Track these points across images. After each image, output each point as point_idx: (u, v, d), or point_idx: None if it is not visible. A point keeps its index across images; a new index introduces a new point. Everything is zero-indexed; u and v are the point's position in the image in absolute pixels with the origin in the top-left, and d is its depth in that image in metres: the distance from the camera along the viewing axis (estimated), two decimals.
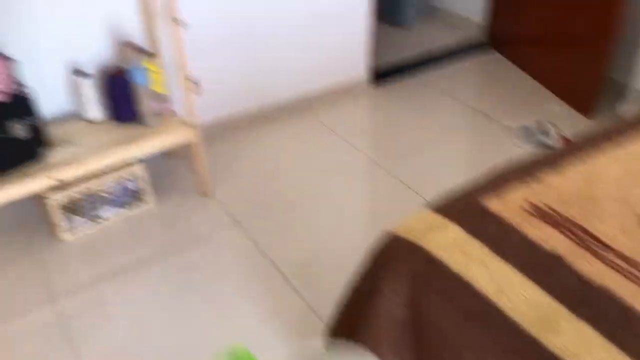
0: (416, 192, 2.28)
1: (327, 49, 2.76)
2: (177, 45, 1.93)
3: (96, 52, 2.18)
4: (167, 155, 2.49)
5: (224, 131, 2.63)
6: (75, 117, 2.17)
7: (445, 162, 2.45)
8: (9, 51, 1.99)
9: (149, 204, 2.20)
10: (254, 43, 2.52)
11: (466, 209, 1.32)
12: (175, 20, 1.90)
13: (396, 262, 1.26)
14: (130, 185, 2.12)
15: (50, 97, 2.14)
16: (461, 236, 1.24)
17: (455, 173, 2.37)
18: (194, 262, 1.98)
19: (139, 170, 2.10)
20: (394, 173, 2.39)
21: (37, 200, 2.13)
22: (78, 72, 2.08)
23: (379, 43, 3.22)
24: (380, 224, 2.11)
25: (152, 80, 2.06)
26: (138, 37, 2.23)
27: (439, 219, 1.30)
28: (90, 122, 2.12)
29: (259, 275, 1.92)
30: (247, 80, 2.59)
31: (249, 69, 2.56)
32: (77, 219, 2.04)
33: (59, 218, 1.99)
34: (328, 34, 2.72)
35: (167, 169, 2.43)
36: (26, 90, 1.80)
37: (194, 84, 2.06)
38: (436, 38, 3.52)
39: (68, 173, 1.91)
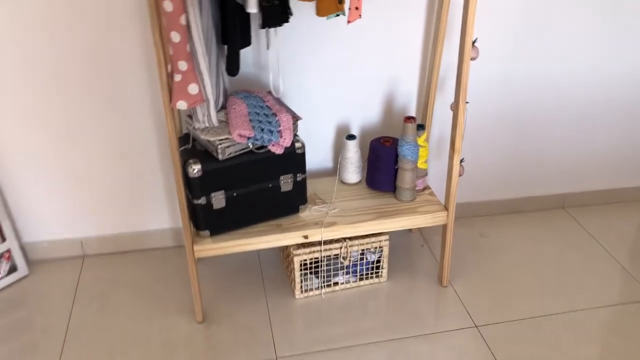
0: None
1: (605, 149, 2.44)
2: (458, 127, 1.81)
3: (367, 118, 2.16)
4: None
5: (468, 214, 2.46)
6: (333, 175, 2.17)
7: None
8: (294, 108, 2.06)
9: (383, 279, 2.10)
10: (526, 131, 2.31)
11: None
12: (463, 102, 1.78)
13: None
14: (370, 257, 2.03)
15: (315, 152, 2.17)
16: None
17: None
18: (417, 352, 1.81)
19: (384, 244, 2.01)
20: None
21: (283, 251, 2.16)
22: (347, 135, 2.06)
23: None
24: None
25: (420, 156, 1.96)
26: (411, 110, 2.17)
27: None
28: (346, 184, 2.09)
29: None
30: (507, 169, 2.38)
31: (513, 157, 2.36)
32: (313, 279, 2.01)
33: (298, 274, 1.97)
34: (607, 135, 2.41)
35: (404, 242, 2.31)
36: (300, 147, 1.81)
37: (460, 164, 1.92)
38: None
39: (317, 234, 1.88)
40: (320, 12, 1.46)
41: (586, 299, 2.04)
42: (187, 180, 1.73)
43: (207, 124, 1.67)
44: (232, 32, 1.59)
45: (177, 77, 1.58)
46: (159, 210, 2.20)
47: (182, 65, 1.56)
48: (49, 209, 2.11)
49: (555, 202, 2.51)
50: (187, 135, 1.86)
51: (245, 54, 1.91)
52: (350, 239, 1.97)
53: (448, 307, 2.00)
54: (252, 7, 1.50)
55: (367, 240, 1.98)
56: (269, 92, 1.88)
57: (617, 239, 2.36)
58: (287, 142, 1.74)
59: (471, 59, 1.76)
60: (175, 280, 2.11)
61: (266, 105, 1.80)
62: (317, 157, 2.19)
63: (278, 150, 1.74)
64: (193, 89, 1.60)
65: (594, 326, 1.92)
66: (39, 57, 1.83)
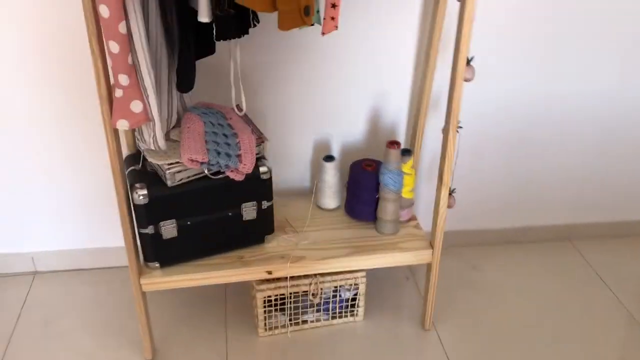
0: None
1: (617, 178, 2.19)
2: (447, 159, 1.56)
3: (350, 136, 1.93)
4: None
5: (458, 244, 2.22)
6: (309, 197, 1.94)
7: None
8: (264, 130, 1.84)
9: (358, 318, 1.88)
10: (527, 155, 2.07)
11: None
12: (454, 130, 1.54)
13: None
14: (345, 295, 1.82)
15: (291, 170, 1.95)
16: None
17: None
18: None
19: (360, 281, 1.79)
20: None
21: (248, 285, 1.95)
22: (324, 156, 1.84)
23: None
24: None
25: (405, 185, 1.73)
26: (400, 130, 1.94)
27: None
28: (323, 209, 1.87)
29: None
30: (505, 196, 2.14)
31: (513, 183, 2.11)
32: (279, 316, 1.80)
33: (261, 312, 1.76)
34: (618, 162, 2.15)
35: (387, 273, 2.08)
36: (265, 172, 1.59)
37: (450, 195, 1.68)
38: None
39: (282, 270, 1.66)
40: (282, 25, 1.23)
41: (588, 353, 1.80)
42: (133, 206, 1.52)
43: (153, 147, 1.45)
44: (183, 40, 1.37)
45: (119, 93, 1.36)
46: (118, 226, 1.99)
47: (123, 79, 1.34)
48: None
49: (560, 234, 2.26)
50: (139, 153, 1.64)
51: (209, 63, 1.68)
52: (322, 274, 1.75)
53: (428, 356, 1.77)
54: (204, 16, 1.27)
55: (340, 276, 1.76)
56: (234, 108, 1.65)
57: (626, 279, 2.10)
58: (247, 169, 1.51)
59: (465, 80, 1.52)
60: (131, 304, 1.91)
61: (228, 124, 1.57)
62: (293, 175, 1.97)
63: (237, 177, 1.52)
64: (136, 106, 1.38)
65: None
66: None
